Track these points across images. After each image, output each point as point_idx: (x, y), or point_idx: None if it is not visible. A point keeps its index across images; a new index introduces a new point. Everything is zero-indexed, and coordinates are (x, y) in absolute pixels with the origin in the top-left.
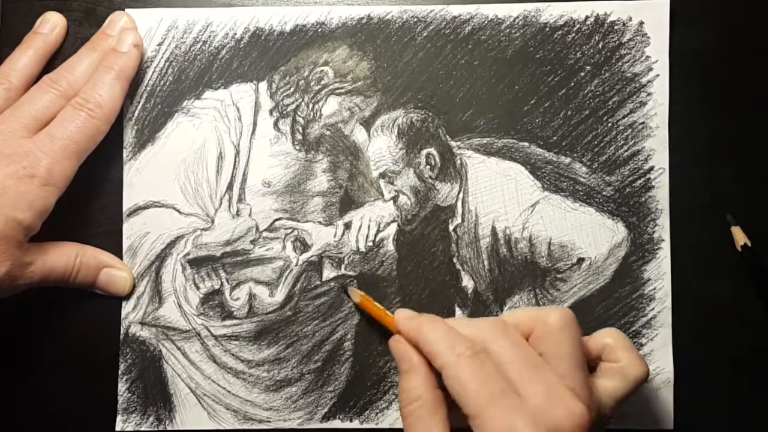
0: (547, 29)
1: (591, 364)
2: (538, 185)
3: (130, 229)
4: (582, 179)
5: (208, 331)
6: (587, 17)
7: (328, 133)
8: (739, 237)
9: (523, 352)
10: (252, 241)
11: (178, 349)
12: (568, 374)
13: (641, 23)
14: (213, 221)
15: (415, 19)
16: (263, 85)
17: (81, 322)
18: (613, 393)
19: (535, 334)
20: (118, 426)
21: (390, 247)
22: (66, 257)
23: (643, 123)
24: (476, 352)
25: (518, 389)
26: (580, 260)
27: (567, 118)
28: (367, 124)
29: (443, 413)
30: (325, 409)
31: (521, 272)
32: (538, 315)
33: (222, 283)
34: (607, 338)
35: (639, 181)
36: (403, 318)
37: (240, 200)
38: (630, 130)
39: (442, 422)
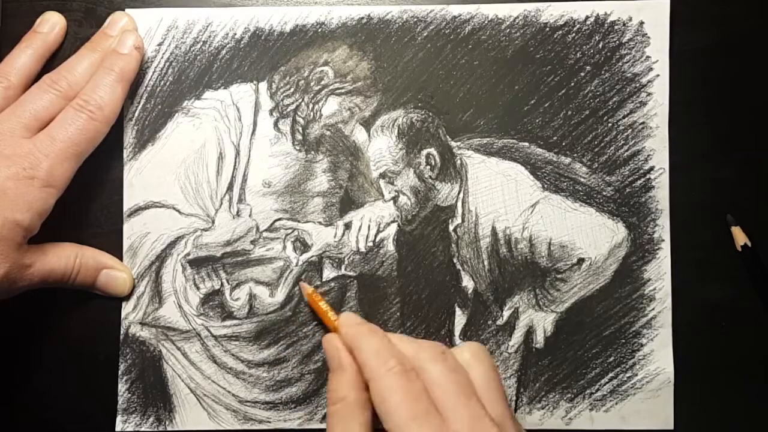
0: (547, 29)
1: None
2: (538, 185)
3: (130, 230)
4: (582, 179)
5: (208, 331)
6: (587, 17)
7: (328, 133)
8: (739, 237)
9: (457, 378)
10: (252, 242)
11: (178, 349)
12: (489, 405)
13: (641, 23)
14: (213, 221)
15: (415, 19)
16: (263, 85)
17: (81, 322)
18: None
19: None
20: (118, 426)
21: (390, 247)
22: (65, 258)
23: (643, 123)
24: (406, 369)
25: (444, 413)
26: (581, 260)
27: (567, 118)
28: (367, 124)
29: (367, 416)
30: (325, 409)
31: (521, 272)
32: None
33: (222, 284)
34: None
35: (639, 181)
36: (345, 323)
37: (240, 200)
38: (630, 130)
39: (364, 425)
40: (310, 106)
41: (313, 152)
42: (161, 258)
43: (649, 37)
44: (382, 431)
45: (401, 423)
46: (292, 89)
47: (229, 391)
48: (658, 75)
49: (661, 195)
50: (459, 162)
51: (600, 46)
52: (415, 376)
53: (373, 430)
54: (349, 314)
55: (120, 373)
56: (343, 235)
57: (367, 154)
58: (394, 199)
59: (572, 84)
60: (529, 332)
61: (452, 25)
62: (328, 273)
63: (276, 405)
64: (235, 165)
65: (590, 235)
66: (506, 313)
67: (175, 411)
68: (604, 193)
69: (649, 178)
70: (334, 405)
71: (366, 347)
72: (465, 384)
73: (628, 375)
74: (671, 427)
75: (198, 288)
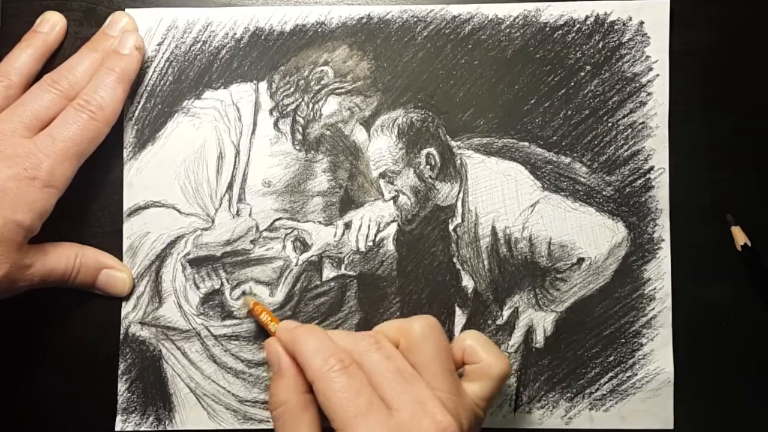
0: (547, 29)
1: (458, 368)
2: (538, 185)
3: (130, 229)
4: (582, 179)
5: (208, 330)
6: (587, 17)
7: (328, 133)
8: (739, 237)
9: (396, 365)
10: (252, 241)
11: (178, 348)
12: (434, 382)
13: (641, 23)
14: (213, 221)
15: (415, 19)
16: (263, 85)
17: (81, 322)
18: (480, 394)
19: (402, 346)
20: (118, 426)
21: (390, 247)
22: (65, 258)
23: (643, 123)
24: (346, 365)
25: (390, 403)
26: (580, 260)
27: (567, 118)
28: (367, 124)
29: (312, 416)
30: None
31: (521, 272)
32: (402, 326)
33: (222, 283)
34: (467, 340)
35: (639, 181)
36: (283, 328)
37: (240, 200)
38: (630, 130)
39: (310, 425)
40: (310, 105)
41: (313, 152)
42: (161, 257)
43: (649, 37)
44: (331, 428)
45: (346, 421)
46: (292, 89)
47: (229, 391)
48: (657, 75)
49: (661, 195)
50: (459, 162)
51: (600, 46)
52: (355, 370)
53: (323, 427)
54: (287, 321)
55: (120, 372)
56: (343, 234)
57: (367, 153)
58: (394, 199)
59: (572, 84)
60: (529, 332)
61: (452, 24)
62: (328, 273)
63: None
64: (235, 165)
65: (590, 235)
66: (506, 313)
67: (175, 410)
68: (604, 193)
69: (649, 178)
70: (276, 410)
71: (304, 349)
72: (403, 368)
73: (627, 374)
74: (671, 426)
75: (198, 287)
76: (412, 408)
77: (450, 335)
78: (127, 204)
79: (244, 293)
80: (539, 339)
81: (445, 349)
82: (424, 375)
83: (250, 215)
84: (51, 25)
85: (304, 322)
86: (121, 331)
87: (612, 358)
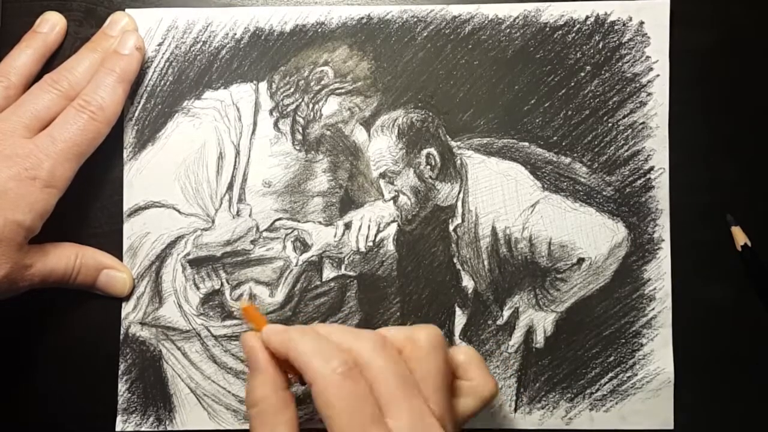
0: (547, 29)
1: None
2: (538, 185)
3: (130, 230)
4: (582, 179)
5: (208, 331)
6: (587, 17)
7: (328, 133)
8: (739, 237)
9: (399, 369)
10: (252, 241)
11: (178, 349)
12: (433, 395)
13: (641, 23)
14: (213, 221)
15: (415, 19)
16: (263, 85)
17: (81, 322)
18: (464, 410)
19: (405, 353)
20: (118, 426)
21: (390, 247)
22: (66, 259)
23: (643, 123)
24: (350, 368)
25: (385, 408)
26: (580, 260)
27: (567, 118)
28: (367, 124)
29: (290, 415)
30: None
31: (521, 272)
32: (408, 333)
33: (222, 283)
34: (460, 355)
35: (639, 181)
36: (272, 333)
37: (240, 200)
38: (630, 130)
39: (288, 424)
40: (310, 106)
41: (313, 152)
42: (161, 258)
43: (649, 37)
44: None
45: (347, 430)
46: (292, 89)
47: (229, 391)
48: (658, 75)
49: (661, 195)
50: (459, 162)
51: (600, 46)
52: (358, 374)
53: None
54: (272, 326)
55: (120, 372)
56: (343, 234)
57: (367, 153)
58: (394, 199)
59: (572, 84)
60: (529, 332)
61: (452, 25)
62: (328, 273)
63: None
64: (235, 165)
65: (590, 235)
66: (506, 313)
67: (175, 411)
68: (604, 193)
69: (649, 178)
70: (255, 407)
71: (304, 349)
72: (405, 375)
73: (628, 375)
74: (671, 426)
75: (198, 288)
76: (410, 422)
77: (450, 335)
78: (127, 204)
79: (241, 296)
80: (539, 339)
81: (447, 363)
82: (422, 386)
83: (250, 215)
84: (51, 25)
85: (304, 323)
86: (121, 332)
87: (612, 358)
